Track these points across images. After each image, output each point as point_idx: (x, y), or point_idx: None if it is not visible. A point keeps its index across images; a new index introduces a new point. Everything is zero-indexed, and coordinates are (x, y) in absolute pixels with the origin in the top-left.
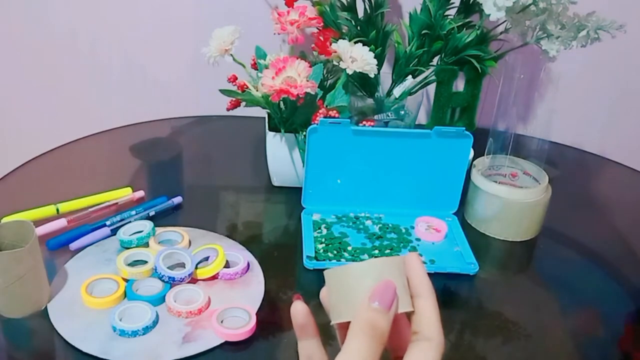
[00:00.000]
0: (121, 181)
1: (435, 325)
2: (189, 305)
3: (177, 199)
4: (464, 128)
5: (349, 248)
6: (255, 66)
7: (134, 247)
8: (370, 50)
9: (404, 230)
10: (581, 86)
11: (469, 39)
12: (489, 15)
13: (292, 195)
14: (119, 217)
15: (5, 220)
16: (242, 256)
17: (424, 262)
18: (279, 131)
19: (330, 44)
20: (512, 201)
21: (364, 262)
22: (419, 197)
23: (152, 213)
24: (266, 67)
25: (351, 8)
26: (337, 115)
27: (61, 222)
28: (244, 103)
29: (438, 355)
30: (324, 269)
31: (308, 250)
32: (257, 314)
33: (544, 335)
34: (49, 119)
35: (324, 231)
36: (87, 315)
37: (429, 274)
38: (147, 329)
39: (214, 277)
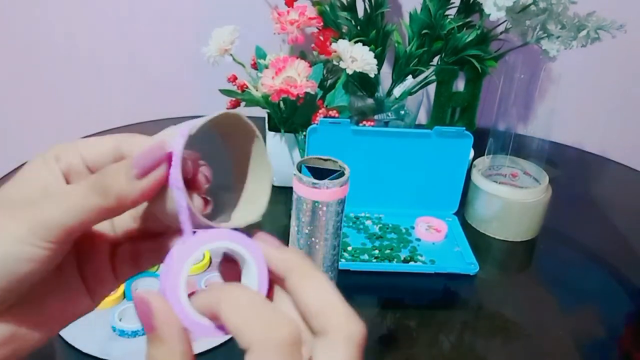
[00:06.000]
0: None
1: (329, 310)
2: None
3: None
4: (464, 128)
5: (349, 248)
6: (255, 66)
7: None
8: (370, 50)
9: (404, 230)
10: (581, 86)
11: (469, 39)
12: (489, 15)
13: (292, 195)
14: None
15: None
16: None
17: (424, 263)
18: (279, 131)
19: (330, 44)
20: (513, 201)
21: None
22: (419, 197)
23: None
24: (266, 67)
25: (351, 8)
26: (337, 115)
27: None
28: (243, 103)
29: (351, 351)
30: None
31: None
32: None
33: (544, 335)
34: (50, 119)
35: None
36: (86, 316)
37: (429, 274)
38: None
39: None
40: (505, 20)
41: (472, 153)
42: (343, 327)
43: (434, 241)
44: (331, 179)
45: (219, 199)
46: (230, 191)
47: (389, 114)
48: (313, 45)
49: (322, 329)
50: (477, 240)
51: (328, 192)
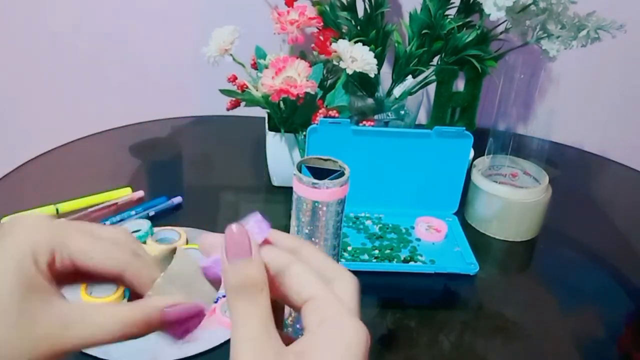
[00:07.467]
0: (121, 181)
1: (337, 266)
2: None
3: (177, 199)
4: (464, 128)
5: (349, 248)
6: (255, 66)
7: None
8: (370, 50)
9: (404, 230)
10: (581, 86)
11: (469, 39)
12: (489, 15)
13: (292, 195)
14: (118, 217)
15: (5, 220)
16: None
17: (424, 263)
18: (279, 131)
19: (330, 44)
20: (513, 201)
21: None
22: (419, 197)
23: (151, 213)
24: (266, 67)
25: (351, 8)
26: (337, 115)
27: None
28: (243, 103)
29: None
30: None
31: None
32: None
33: (544, 335)
34: (49, 119)
35: None
36: None
37: (429, 274)
38: None
39: None
40: (505, 20)
41: (472, 153)
42: (349, 273)
43: (434, 241)
44: (331, 179)
45: None
46: None
47: (389, 114)
48: (313, 45)
49: (336, 276)
50: (477, 240)
51: (328, 192)
